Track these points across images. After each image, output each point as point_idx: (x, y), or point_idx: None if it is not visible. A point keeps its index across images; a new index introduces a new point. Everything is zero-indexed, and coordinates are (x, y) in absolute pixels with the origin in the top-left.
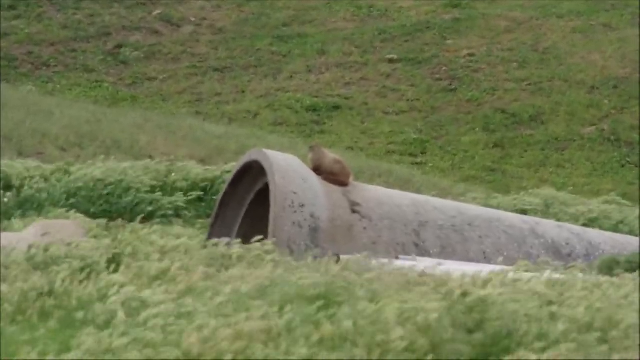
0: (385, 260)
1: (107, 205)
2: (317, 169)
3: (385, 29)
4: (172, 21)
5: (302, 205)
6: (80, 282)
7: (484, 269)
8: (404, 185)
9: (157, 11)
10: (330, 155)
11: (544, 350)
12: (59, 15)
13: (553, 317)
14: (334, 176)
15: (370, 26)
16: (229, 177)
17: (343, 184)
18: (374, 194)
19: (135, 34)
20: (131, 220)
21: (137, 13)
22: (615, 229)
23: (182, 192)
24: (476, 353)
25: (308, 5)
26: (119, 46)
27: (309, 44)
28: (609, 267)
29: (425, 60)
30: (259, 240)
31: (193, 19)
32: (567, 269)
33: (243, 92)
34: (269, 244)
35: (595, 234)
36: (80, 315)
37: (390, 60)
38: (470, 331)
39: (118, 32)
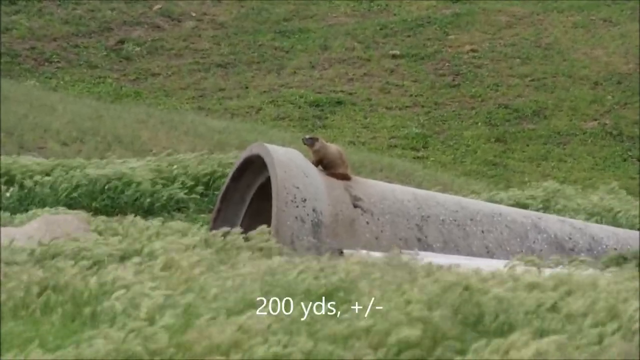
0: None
1: (109, 200)
2: (319, 162)
3: (387, 23)
4: (172, 16)
5: (304, 200)
6: (84, 277)
7: (488, 264)
8: (405, 179)
9: (158, 6)
10: (333, 147)
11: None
12: (59, 10)
13: (554, 311)
14: (334, 169)
15: (372, 21)
16: (230, 172)
17: (344, 176)
18: (376, 189)
19: (136, 29)
20: (133, 214)
21: (137, 8)
22: (614, 220)
23: (183, 186)
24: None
25: None
26: (121, 41)
27: (311, 39)
28: (616, 262)
29: (428, 56)
30: (264, 232)
31: (194, 14)
32: (570, 262)
33: (246, 87)
34: (272, 238)
35: (597, 229)
36: (84, 310)
37: (394, 56)
38: (472, 326)
39: (119, 27)
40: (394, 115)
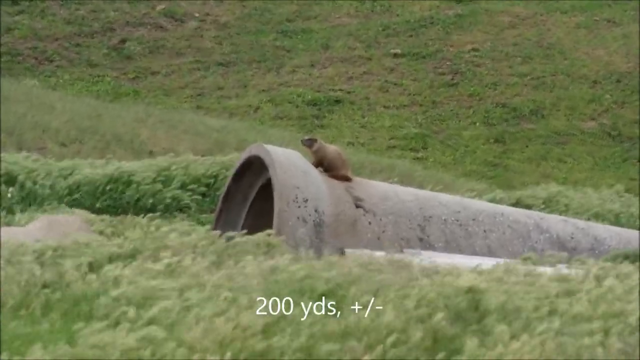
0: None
1: (111, 201)
2: (320, 164)
3: (389, 24)
4: (175, 16)
5: (306, 200)
6: (85, 276)
7: (490, 263)
8: (405, 180)
9: (161, 6)
10: (332, 148)
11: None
12: (62, 11)
13: (555, 310)
14: (336, 170)
15: (374, 21)
16: (231, 172)
17: (345, 178)
18: (377, 189)
19: (139, 29)
20: (135, 214)
21: (140, 8)
22: (615, 220)
23: (184, 187)
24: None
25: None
26: (123, 41)
27: (314, 39)
28: (618, 262)
29: (429, 55)
30: (267, 234)
31: (197, 14)
32: (573, 261)
33: (245, 86)
34: (275, 238)
35: (600, 229)
36: (85, 309)
37: (394, 55)
38: (472, 326)
39: (122, 27)
40: (392, 115)
